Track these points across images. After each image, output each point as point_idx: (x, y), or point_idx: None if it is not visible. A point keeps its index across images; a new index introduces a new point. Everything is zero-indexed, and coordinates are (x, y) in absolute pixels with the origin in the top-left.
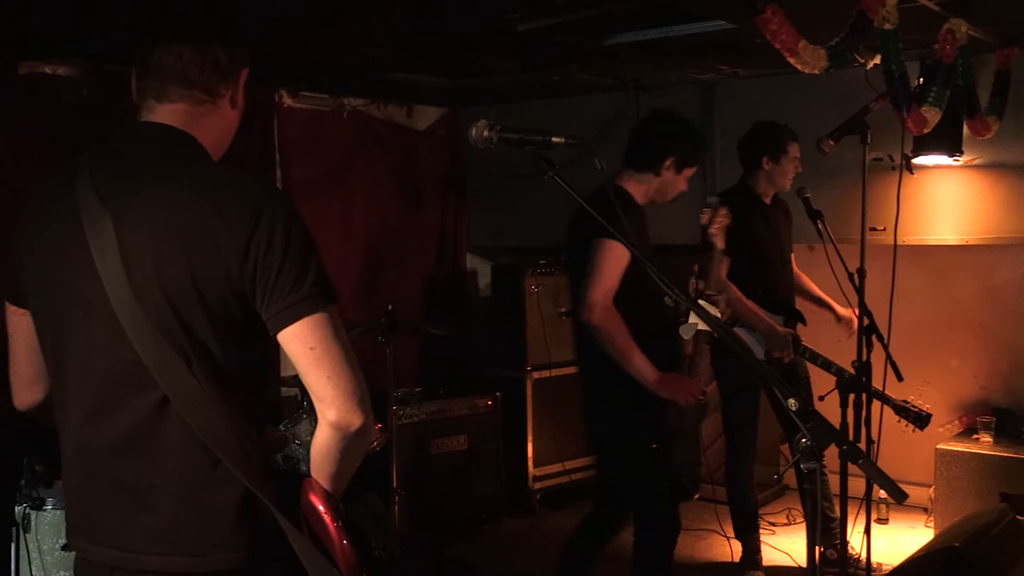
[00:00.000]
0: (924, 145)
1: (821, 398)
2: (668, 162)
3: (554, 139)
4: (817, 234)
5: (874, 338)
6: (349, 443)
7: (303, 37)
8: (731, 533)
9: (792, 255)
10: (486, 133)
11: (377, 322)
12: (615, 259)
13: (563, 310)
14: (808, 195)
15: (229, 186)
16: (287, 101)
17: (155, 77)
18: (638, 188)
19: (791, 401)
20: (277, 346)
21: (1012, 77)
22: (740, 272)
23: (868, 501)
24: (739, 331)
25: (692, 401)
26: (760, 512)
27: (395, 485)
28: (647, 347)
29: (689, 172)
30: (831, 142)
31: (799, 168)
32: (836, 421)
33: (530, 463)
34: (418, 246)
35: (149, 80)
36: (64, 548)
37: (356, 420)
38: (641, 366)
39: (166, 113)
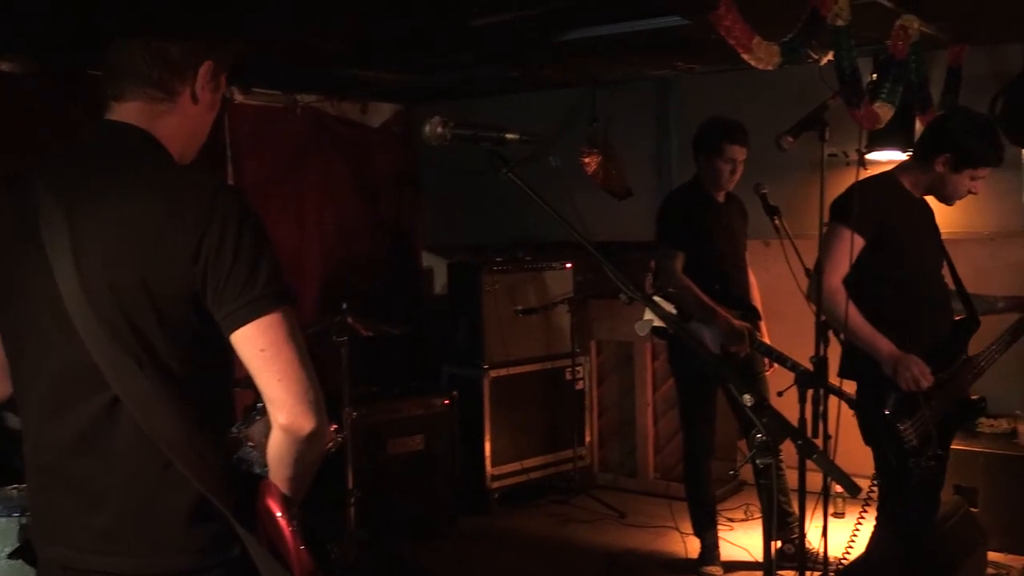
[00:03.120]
0: (877, 141)
1: (780, 394)
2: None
3: (508, 136)
4: (774, 230)
5: (831, 333)
6: (302, 447)
7: (257, 32)
8: (689, 530)
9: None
10: (440, 130)
11: (332, 321)
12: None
13: (520, 308)
14: (765, 191)
15: (181, 184)
16: (238, 97)
17: (111, 75)
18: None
19: (746, 397)
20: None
21: (963, 73)
22: (694, 268)
23: (825, 496)
24: (697, 327)
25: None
26: (718, 508)
27: (350, 486)
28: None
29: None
30: (790, 138)
31: (737, 170)
32: (794, 417)
33: (487, 462)
34: (373, 244)
35: (107, 79)
36: (11, 556)
37: (308, 424)
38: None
39: (124, 112)
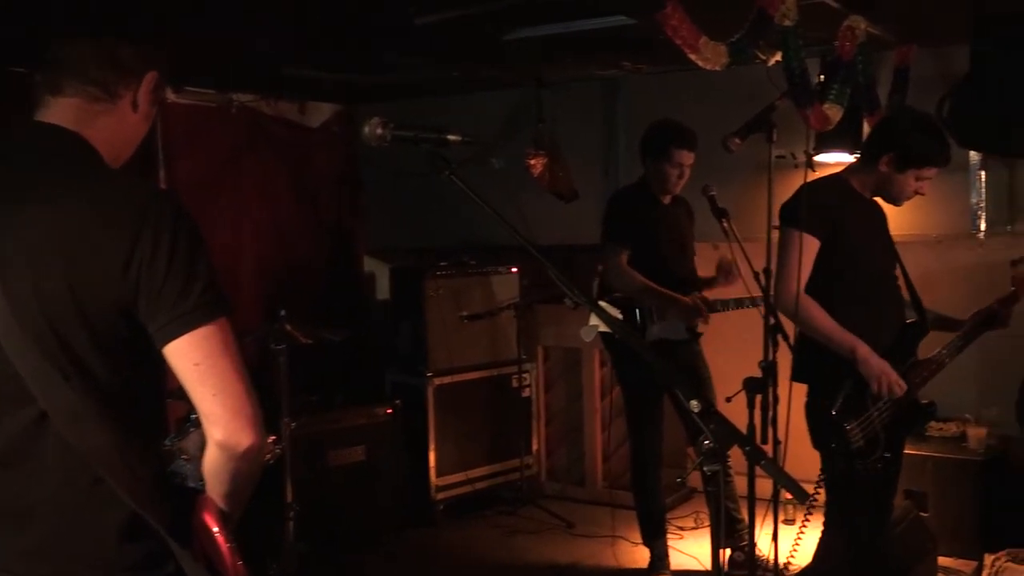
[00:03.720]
0: (825, 142)
1: (728, 399)
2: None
3: (450, 137)
4: (723, 233)
5: (780, 338)
6: (239, 463)
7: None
8: (638, 539)
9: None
10: (379, 131)
11: (270, 329)
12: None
13: (465, 313)
14: (713, 193)
15: (112, 189)
16: (171, 96)
17: (53, 70)
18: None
19: (693, 403)
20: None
21: (911, 74)
22: (640, 269)
23: (775, 502)
24: (657, 327)
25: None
26: (667, 516)
27: (290, 499)
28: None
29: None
30: (737, 140)
31: (685, 175)
32: (743, 422)
33: (432, 473)
34: (312, 248)
35: (47, 74)
36: None
37: (245, 440)
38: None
39: (58, 109)
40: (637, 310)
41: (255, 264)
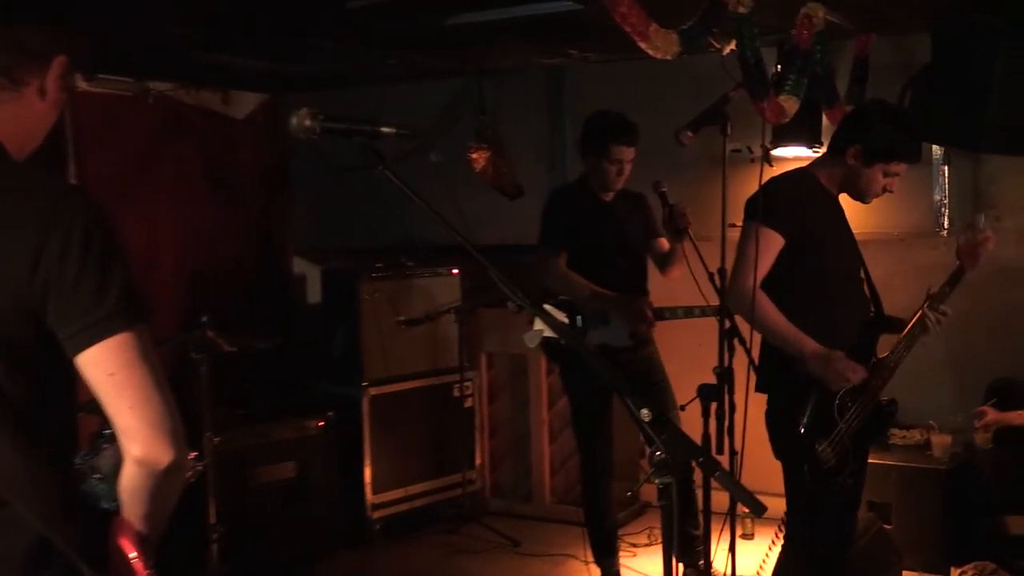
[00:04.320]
0: (783, 136)
1: (682, 408)
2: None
3: (384, 129)
4: (674, 232)
5: (736, 342)
6: (159, 482)
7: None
8: (589, 557)
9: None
10: (308, 122)
11: (190, 336)
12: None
13: (403, 318)
14: (664, 189)
15: (16, 185)
16: (82, 84)
17: None
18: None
19: (644, 412)
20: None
21: (871, 64)
22: (577, 266)
23: (732, 516)
24: (597, 333)
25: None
26: (620, 533)
27: (214, 521)
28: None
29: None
30: (690, 133)
31: (625, 171)
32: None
33: (368, 490)
34: (237, 249)
35: None
36: None
37: (165, 456)
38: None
39: None
40: (578, 315)
41: (174, 266)
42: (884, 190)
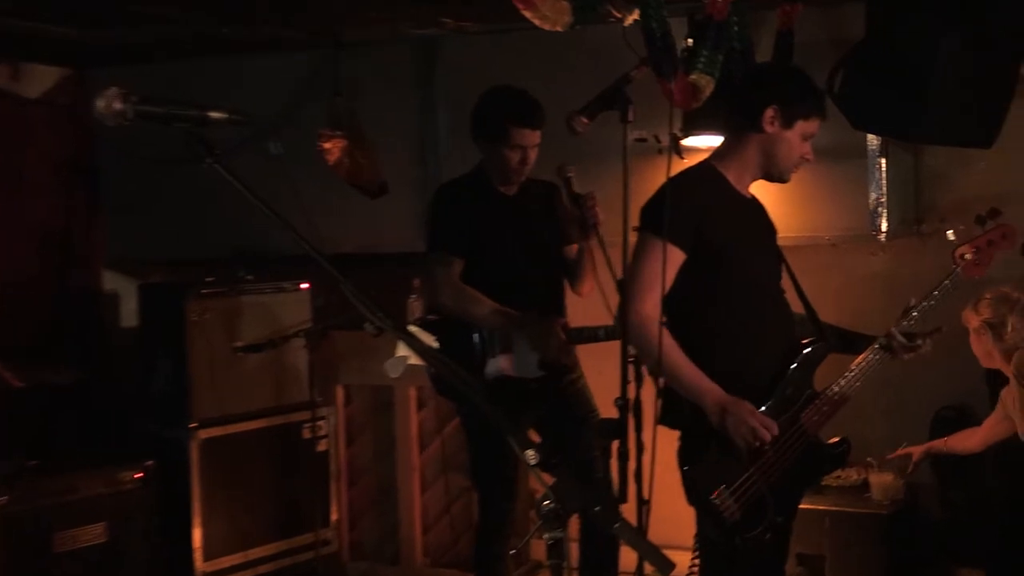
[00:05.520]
0: (695, 122)
1: None
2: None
3: (213, 114)
4: (579, 227)
5: (644, 370)
6: None
7: None
8: None
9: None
10: (119, 105)
11: None
12: None
13: (240, 344)
14: (571, 174)
15: None
16: None
17: None
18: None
19: (529, 453)
20: None
21: (796, 39)
22: (476, 283)
23: (640, 574)
24: (499, 361)
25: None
26: None
27: None
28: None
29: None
30: (584, 120)
31: (529, 158)
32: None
33: (198, 555)
34: (27, 259)
35: None
36: None
37: None
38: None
39: None
40: (477, 336)
41: None
42: (803, 159)
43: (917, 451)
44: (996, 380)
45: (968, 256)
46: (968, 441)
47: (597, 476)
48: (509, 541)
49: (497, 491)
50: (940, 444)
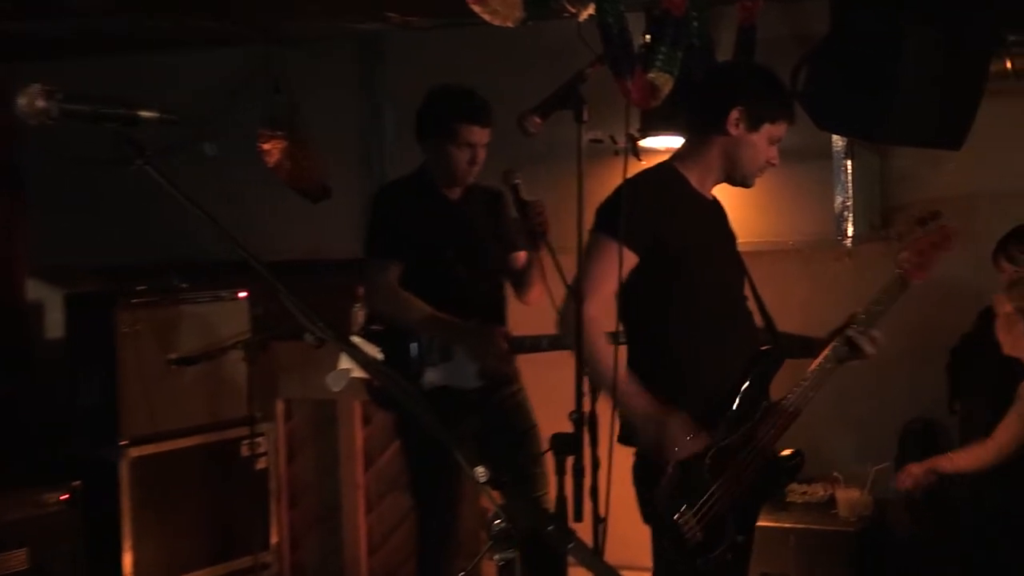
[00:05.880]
0: (653, 123)
1: None
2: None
3: (144, 113)
4: (528, 238)
5: None
6: None
7: None
8: None
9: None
10: (41, 103)
11: None
12: None
13: (174, 356)
14: (518, 181)
15: None
16: None
17: None
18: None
19: (479, 470)
20: None
21: (758, 35)
22: (414, 283)
23: None
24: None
25: None
26: None
27: None
28: None
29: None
30: (537, 119)
31: (478, 158)
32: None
33: None
34: None
35: None
36: None
37: None
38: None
39: None
40: (415, 345)
41: None
42: (768, 164)
43: (922, 472)
44: (960, 385)
45: (911, 260)
46: (978, 454)
47: (538, 494)
48: (455, 561)
49: (439, 507)
50: (945, 462)
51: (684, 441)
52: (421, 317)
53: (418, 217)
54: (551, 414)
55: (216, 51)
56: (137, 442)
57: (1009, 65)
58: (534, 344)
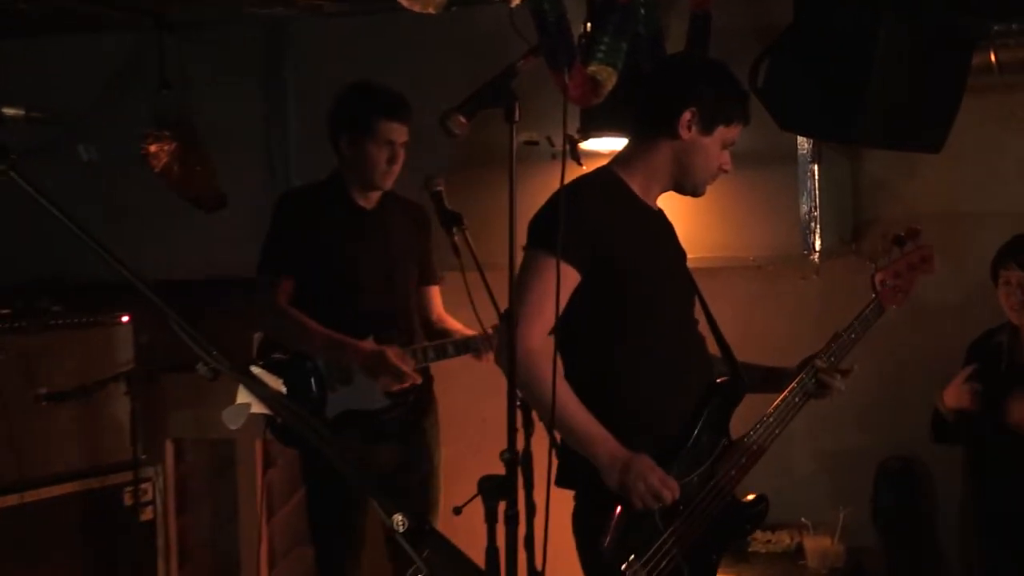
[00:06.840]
0: (595, 122)
1: (456, 511)
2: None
3: (6, 111)
4: (453, 249)
5: (535, 416)
6: None
7: None
8: None
9: (432, 286)
10: None
11: None
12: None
13: (45, 391)
14: (440, 188)
15: None
16: None
17: None
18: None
19: (397, 518)
20: None
21: (713, 24)
22: (311, 303)
23: None
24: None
25: None
26: None
27: None
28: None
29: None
30: (462, 119)
31: (398, 158)
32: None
33: None
34: None
35: None
36: None
37: None
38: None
39: None
40: (311, 367)
41: None
42: (720, 171)
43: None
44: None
45: (888, 283)
46: None
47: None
48: None
49: (339, 544)
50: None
51: (656, 480)
52: (308, 338)
53: (324, 227)
54: (463, 451)
55: (95, 37)
56: (2, 491)
57: (993, 58)
58: (440, 351)
